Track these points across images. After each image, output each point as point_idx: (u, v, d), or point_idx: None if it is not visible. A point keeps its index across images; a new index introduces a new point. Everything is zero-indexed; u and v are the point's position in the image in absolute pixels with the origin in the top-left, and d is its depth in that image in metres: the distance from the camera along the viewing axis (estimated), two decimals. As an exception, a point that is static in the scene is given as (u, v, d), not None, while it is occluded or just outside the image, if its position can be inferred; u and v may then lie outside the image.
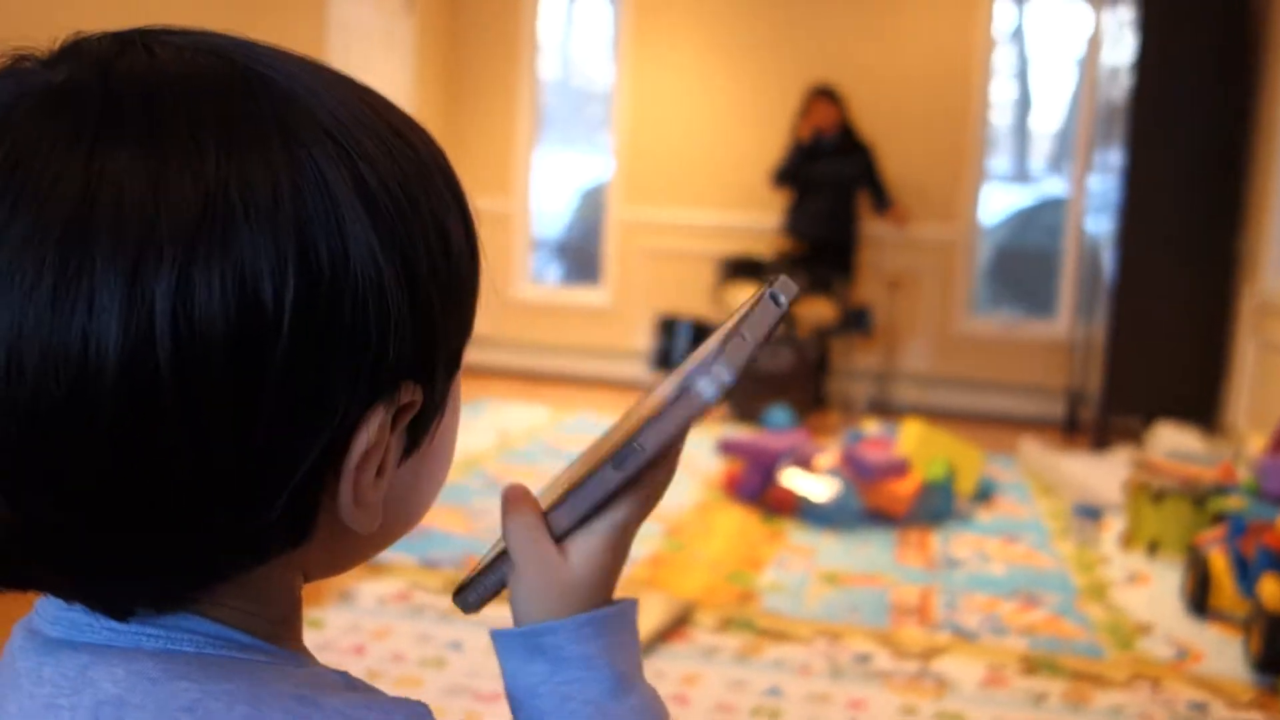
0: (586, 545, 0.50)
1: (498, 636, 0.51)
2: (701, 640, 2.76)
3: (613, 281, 6.95)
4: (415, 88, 6.53)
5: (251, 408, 0.39)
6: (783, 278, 0.51)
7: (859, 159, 5.97)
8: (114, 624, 0.44)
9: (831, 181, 5.96)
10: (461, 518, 3.69)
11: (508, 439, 4.95)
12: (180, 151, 0.39)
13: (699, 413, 0.47)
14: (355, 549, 0.50)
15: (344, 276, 0.41)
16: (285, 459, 0.41)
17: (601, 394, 6.39)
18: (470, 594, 0.53)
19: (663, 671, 2.56)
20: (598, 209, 7.12)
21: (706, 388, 0.46)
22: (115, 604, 0.44)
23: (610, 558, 0.51)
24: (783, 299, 0.50)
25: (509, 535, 0.51)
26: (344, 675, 0.47)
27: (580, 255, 7.38)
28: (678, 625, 2.83)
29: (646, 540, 3.56)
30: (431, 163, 0.47)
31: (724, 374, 0.46)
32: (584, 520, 0.50)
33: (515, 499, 0.51)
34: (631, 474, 0.48)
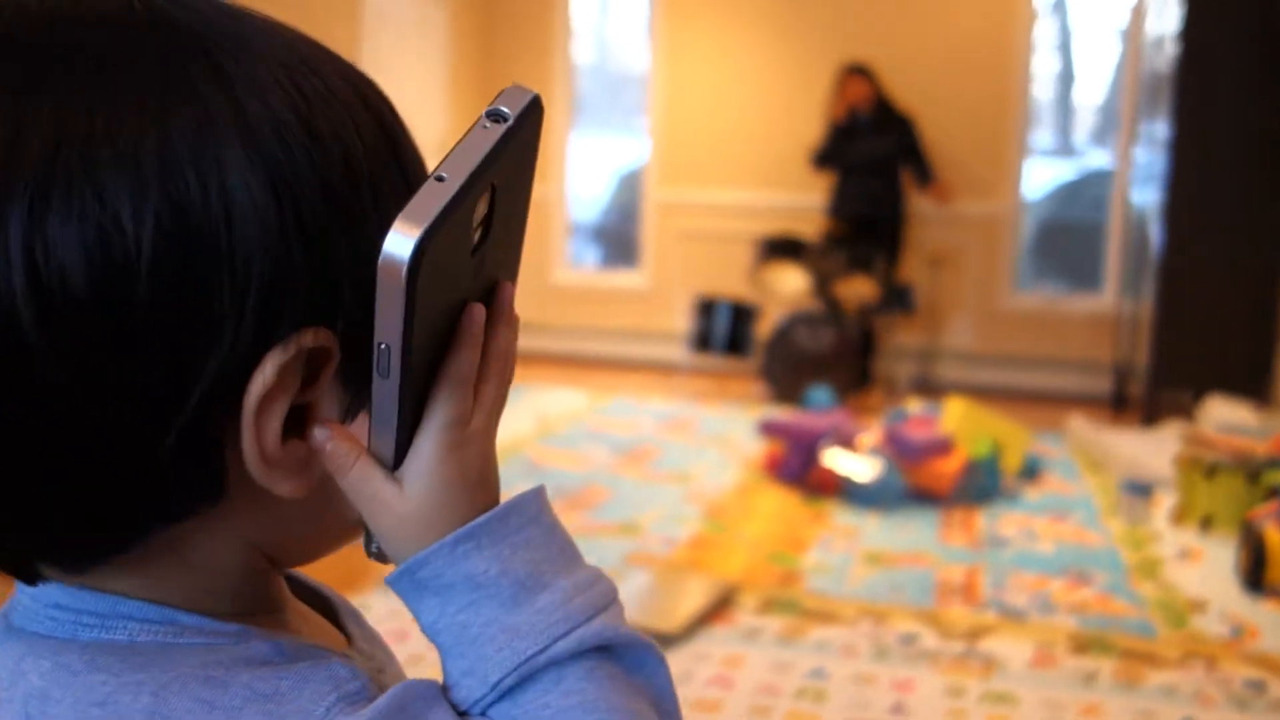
0: (417, 466, 0.44)
1: (390, 584, 0.45)
2: (744, 622, 2.74)
3: (651, 264, 6.92)
4: (449, 75, 6.53)
5: (124, 340, 0.39)
6: (513, 86, 0.43)
7: (898, 133, 5.89)
8: (56, 612, 0.44)
9: (871, 159, 5.88)
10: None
11: (547, 424, 4.95)
12: (53, 92, 0.39)
13: (401, 283, 0.38)
14: (301, 523, 0.47)
15: (215, 207, 0.39)
16: (171, 394, 0.40)
17: (641, 377, 6.37)
18: (373, 543, 0.47)
19: (705, 653, 2.54)
20: (635, 192, 7.09)
21: (392, 249, 0.38)
22: (20, 566, 0.44)
23: (453, 466, 0.44)
24: (507, 112, 0.42)
25: (343, 488, 0.45)
26: (277, 647, 0.44)
27: (618, 239, 7.36)
28: (720, 607, 2.80)
29: (687, 522, 3.54)
30: (347, 96, 0.45)
31: (407, 228, 0.38)
32: (403, 441, 0.43)
33: (332, 449, 0.44)
34: (400, 373, 0.41)
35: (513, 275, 0.48)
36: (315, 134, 0.42)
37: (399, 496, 0.44)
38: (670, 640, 2.58)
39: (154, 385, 0.40)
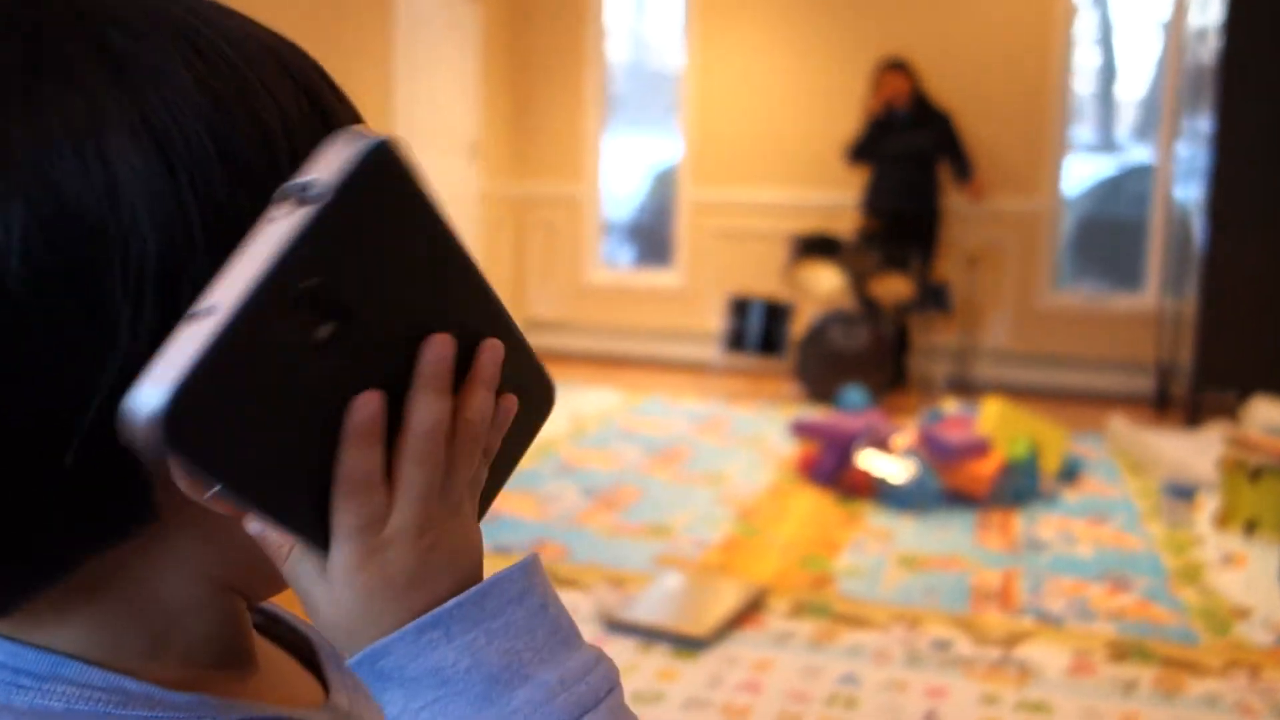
0: (334, 573, 0.38)
1: (352, 668, 0.40)
2: (774, 626, 2.70)
3: (684, 263, 6.89)
4: (482, 73, 6.53)
5: (8, 334, 0.35)
6: (343, 133, 0.35)
7: (936, 128, 5.81)
8: None
9: (908, 154, 5.81)
10: (534, 503, 3.67)
11: (580, 423, 4.93)
12: None
13: (163, 447, 0.32)
14: (256, 545, 0.40)
15: (97, 190, 0.35)
16: (65, 402, 0.36)
17: (674, 376, 6.34)
18: None
19: (735, 657, 2.51)
20: (669, 191, 7.06)
21: (139, 412, 0.31)
22: None
23: (370, 574, 0.38)
24: (314, 185, 0.33)
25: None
26: None
27: (651, 237, 7.33)
28: (750, 610, 2.77)
29: (719, 524, 3.50)
30: (265, 64, 0.40)
31: (150, 390, 0.31)
32: (320, 541, 0.38)
33: (265, 538, 0.39)
34: (256, 504, 0.35)
35: (492, 327, 0.40)
36: (221, 106, 0.38)
37: (328, 598, 0.39)
38: (699, 644, 2.55)
39: (44, 392, 0.35)
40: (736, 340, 5.98)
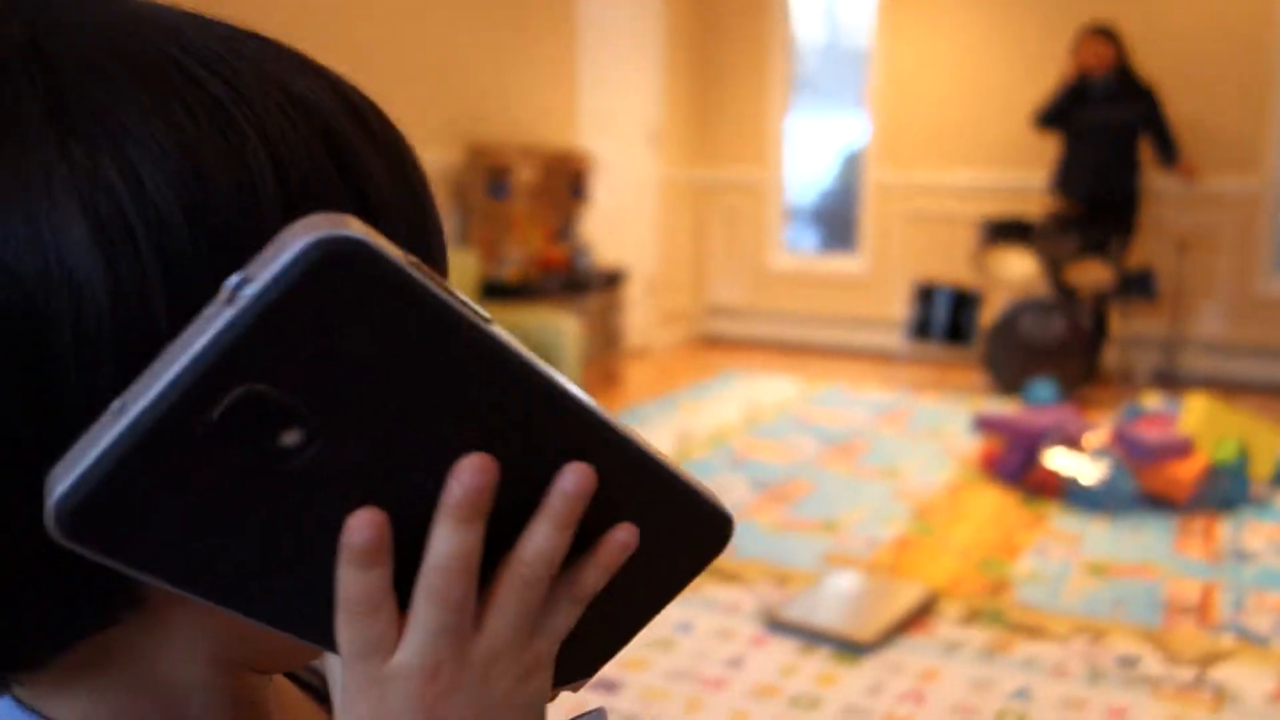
0: (336, 699, 0.35)
1: None
2: (945, 633, 2.58)
3: (869, 248, 6.71)
4: (666, 59, 6.51)
5: None
6: (305, 221, 0.30)
7: (1139, 104, 5.43)
8: None
9: (1104, 128, 5.45)
10: (702, 494, 3.63)
11: (756, 412, 4.87)
12: None
13: (76, 542, 0.30)
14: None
15: (47, 263, 0.32)
16: (13, 496, 0.33)
17: (856, 365, 6.19)
18: None
19: (899, 664, 2.41)
20: (855, 174, 6.88)
21: (50, 504, 0.29)
22: None
23: (368, 707, 0.33)
24: (245, 283, 0.29)
25: None
26: None
27: (836, 222, 7.17)
28: (920, 615, 2.66)
29: (892, 521, 3.39)
30: (266, 103, 0.36)
31: (57, 481, 0.29)
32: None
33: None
34: (219, 596, 0.32)
35: (585, 448, 0.34)
36: (194, 160, 0.34)
37: (339, 705, 0.35)
38: (863, 649, 2.46)
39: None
40: (921, 329, 5.78)
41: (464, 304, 0.32)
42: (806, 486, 3.74)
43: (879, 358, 6.37)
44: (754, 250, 6.98)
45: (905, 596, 2.71)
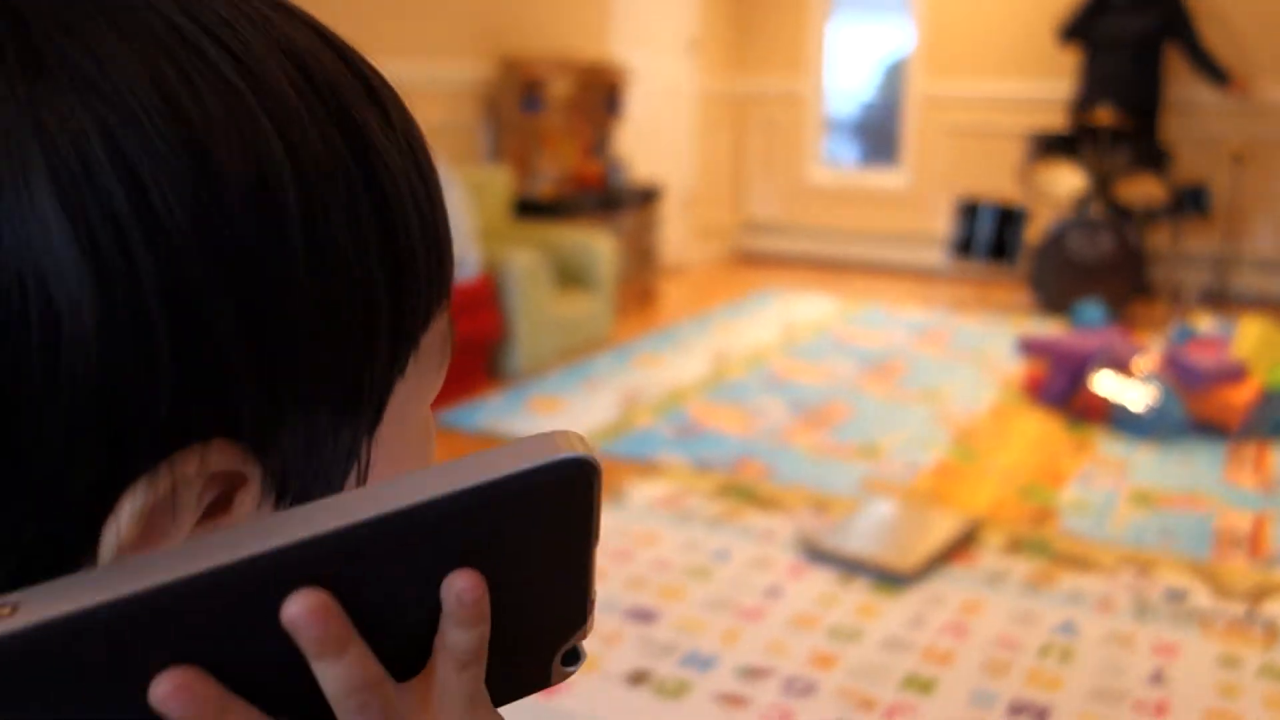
0: None
1: None
2: (987, 563, 2.53)
3: (912, 162, 6.53)
4: (703, -35, 6.30)
5: None
6: None
7: (1160, 10, 5.19)
8: None
9: (1123, 38, 5.23)
10: (739, 417, 3.58)
11: (793, 332, 4.78)
12: None
13: None
14: None
15: (16, 280, 0.26)
16: None
17: (896, 283, 6.07)
18: None
19: (940, 596, 2.37)
20: (898, 84, 6.67)
21: None
22: None
23: None
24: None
25: None
26: None
27: (878, 135, 6.97)
28: (961, 544, 2.61)
29: (933, 446, 3.32)
30: (280, 88, 0.30)
31: None
32: None
33: None
34: None
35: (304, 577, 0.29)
36: (197, 151, 0.28)
37: None
38: (904, 579, 2.42)
39: None
40: (965, 246, 5.64)
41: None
42: (845, 410, 3.68)
43: (919, 275, 6.25)
44: (792, 164, 6.83)
45: (946, 525, 2.66)
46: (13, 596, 0.26)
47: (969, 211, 5.62)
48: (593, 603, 0.35)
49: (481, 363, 3.90)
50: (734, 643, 2.17)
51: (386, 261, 0.32)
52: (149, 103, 0.28)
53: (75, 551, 0.28)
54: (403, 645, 0.31)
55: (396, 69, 4.36)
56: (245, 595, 0.28)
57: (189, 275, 0.28)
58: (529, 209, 4.62)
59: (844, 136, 7.13)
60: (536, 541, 0.32)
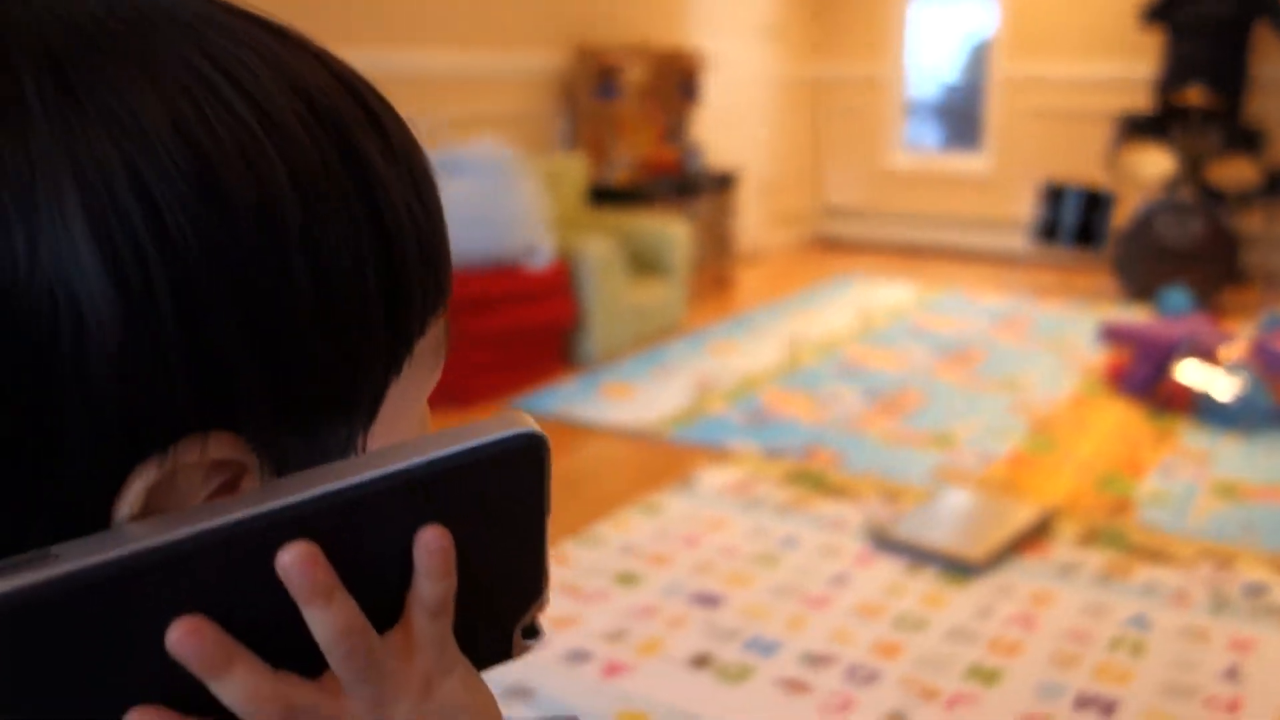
0: None
1: None
2: (1060, 554, 2.50)
3: (995, 145, 6.42)
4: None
5: None
6: None
7: None
8: None
9: (1208, 21, 5.06)
10: (810, 404, 3.57)
11: (870, 319, 4.75)
12: None
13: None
14: None
15: (38, 284, 0.30)
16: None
17: (977, 268, 5.98)
18: None
19: (1010, 587, 2.34)
20: (981, 66, 6.55)
21: None
22: None
23: None
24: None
25: None
26: None
27: (960, 117, 6.86)
28: (1035, 535, 2.58)
29: (1009, 435, 3.28)
30: (284, 114, 0.33)
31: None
32: None
33: None
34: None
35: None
36: (216, 188, 0.31)
37: None
38: (973, 569, 2.40)
39: None
40: (1049, 231, 5.53)
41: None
42: (919, 397, 3.64)
43: (1001, 261, 6.15)
44: (872, 148, 6.75)
45: (1020, 515, 2.63)
46: (53, 548, 0.30)
47: (1054, 195, 5.51)
48: (548, 576, 0.39)
49: (556, 349, 3.94)
50: (798, 629, 2.18)
51: (383, 278, 0.35)
52: (167, 137, 0.31)
53: (93, 523, 0.32)
54: (381, 600, 0.35)
55: (473, 60, 4.39)
56: (247, 551, 0.32)
57: (199, 289, 0.31)
58: (604, 196, 4.65)
59: (925, 119, 7.03)
60: (494, 508, 0.36)
